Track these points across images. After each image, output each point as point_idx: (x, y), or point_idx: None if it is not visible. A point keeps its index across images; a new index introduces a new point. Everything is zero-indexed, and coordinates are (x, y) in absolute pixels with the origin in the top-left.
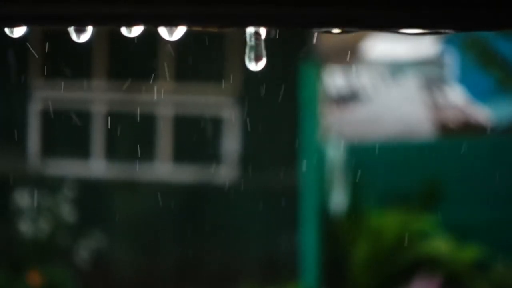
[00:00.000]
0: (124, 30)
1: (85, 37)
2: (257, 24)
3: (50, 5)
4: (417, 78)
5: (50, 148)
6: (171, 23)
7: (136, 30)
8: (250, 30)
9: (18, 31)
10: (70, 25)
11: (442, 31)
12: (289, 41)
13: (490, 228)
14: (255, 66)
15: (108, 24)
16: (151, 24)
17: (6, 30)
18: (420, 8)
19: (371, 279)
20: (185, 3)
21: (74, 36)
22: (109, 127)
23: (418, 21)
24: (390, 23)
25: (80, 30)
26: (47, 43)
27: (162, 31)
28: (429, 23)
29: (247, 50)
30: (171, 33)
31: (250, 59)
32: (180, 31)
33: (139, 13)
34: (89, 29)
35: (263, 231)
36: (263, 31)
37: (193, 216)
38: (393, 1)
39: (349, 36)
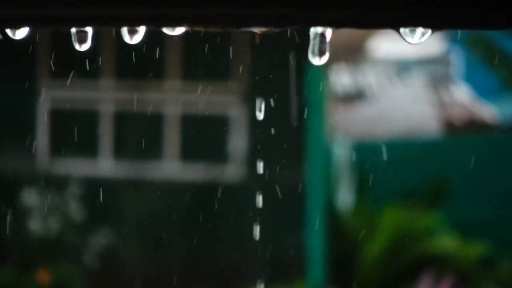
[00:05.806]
0: (126, 38)
1: (86, 46)
2: (259, 24)
3: (51, 7)
4: (423, 76)
5: (58, 147)
6: (174, 24)
7: (137, 37)
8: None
9: (20, 33)
10: (72, 27)
11: (443, 30)
12: (295, 39)
13: (496, 225)
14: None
15: (110, 25)
16: (154, 25)
17: (8, 31)
18: (421, 7)
19: (378, 277)
20: (187, 3)
21: (76, 45)
22: (117, 126)
23: (419, 20)
24: (391, 22)
25: (81, 40)
26: (55, 43)
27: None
28: (431, 22)
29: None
30: (173, 30)
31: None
32: (181, 28)
33: (141, 14)
34: (89, 38)
35: (270, 229)
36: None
37: (201, 215)
38: (394, 0)
39: (355, 35)
